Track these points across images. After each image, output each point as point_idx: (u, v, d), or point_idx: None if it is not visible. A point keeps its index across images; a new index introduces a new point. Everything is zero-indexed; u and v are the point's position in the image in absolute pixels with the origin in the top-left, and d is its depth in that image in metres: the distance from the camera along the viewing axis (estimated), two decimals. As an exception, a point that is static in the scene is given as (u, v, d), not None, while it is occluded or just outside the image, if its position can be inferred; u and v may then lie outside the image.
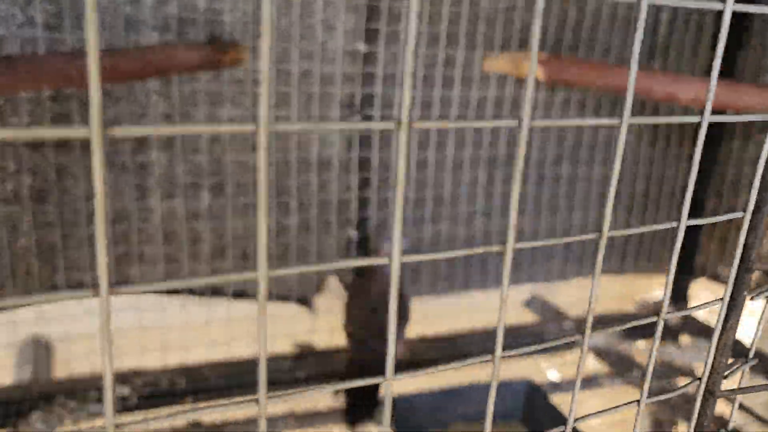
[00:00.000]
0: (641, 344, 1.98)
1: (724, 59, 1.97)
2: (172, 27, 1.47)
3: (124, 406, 1.52)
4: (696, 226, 2.08)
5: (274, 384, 1.67)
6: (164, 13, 1.45)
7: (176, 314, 1.66)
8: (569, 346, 1.97)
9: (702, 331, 2.05)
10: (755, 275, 0.55)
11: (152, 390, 1.59)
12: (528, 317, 2.10)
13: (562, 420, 1.43)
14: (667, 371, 1.89)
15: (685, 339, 2.04)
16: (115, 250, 1.56)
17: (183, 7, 1.47)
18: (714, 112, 1.68)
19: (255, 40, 1.54)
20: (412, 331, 1.93)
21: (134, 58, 1.22)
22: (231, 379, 1.65)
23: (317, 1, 1.57)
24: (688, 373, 1.88)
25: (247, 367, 1.70)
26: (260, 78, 0.30)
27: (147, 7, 1.44)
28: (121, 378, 1.60)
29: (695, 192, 2.05)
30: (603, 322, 2.14)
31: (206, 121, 1.56)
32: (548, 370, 2.02)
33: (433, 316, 1.93)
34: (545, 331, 2.03)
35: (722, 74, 1.93)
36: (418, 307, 1.89)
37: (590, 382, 1.85)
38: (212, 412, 0.36)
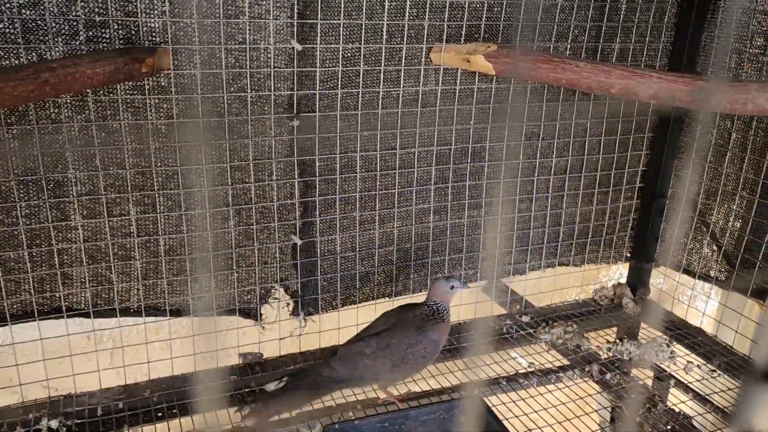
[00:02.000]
0: (597, 338, 1.94)
1: (687, 38, 1.86)
2: (80, 32, 1.33)
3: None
4: (657, 213, 2.02)
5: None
6: (71, 14, 1.31)
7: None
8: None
9: (661, 324, 2.02)
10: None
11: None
12: (486, 311, 2.05)
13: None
14: (626, 364, 1.86)
15: (644, 333, 2.01)
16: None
17: (92, 8, 1.32)
18: (663, 113, 1.58)
19: (176, 42, 1.41)
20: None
21: (24, 79, 1.09)
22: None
23: (243, -4, 1.43)
24: (647, 366, 1.86)
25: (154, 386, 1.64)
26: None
27: (50, 9, 1.29)
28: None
29: (656, 176, 1.98)
30: (565, 311, 2.10)
31: (128, 133, 1.44)
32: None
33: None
34: (504, 326, 1.98)
35: (686, 58, 1.84)
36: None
37: (549, 375, 1.82)
38: None
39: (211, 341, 1.66)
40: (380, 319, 1.59)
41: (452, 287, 1.55)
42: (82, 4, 1.31)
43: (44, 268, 1.46)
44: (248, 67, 1.49)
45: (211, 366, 1.69)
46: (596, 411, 1.72)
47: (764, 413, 0.35)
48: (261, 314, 1.71)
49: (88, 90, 1.36)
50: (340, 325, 1.80)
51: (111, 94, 1.40)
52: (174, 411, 1.55)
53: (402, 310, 1.59)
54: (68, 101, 1.37)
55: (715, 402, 1.73)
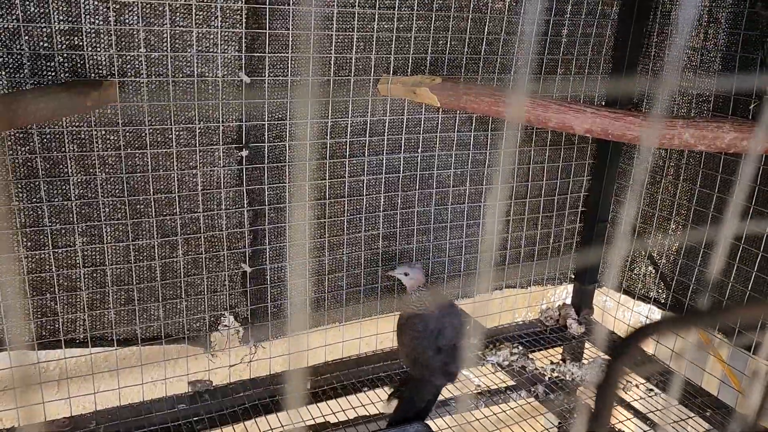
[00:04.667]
0: (543, 359, 2.00)
1: (623, 71, 1.95)
2: (25, 65, 1.33)
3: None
4: (599, 236, 2.10)
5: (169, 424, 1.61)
6: (15, 48, 1.31)
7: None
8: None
9: (603, 345, 2.10)
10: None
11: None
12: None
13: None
14: (569, 384, 1.92)
15: (588, 353, 2.08)
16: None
17: (36, 42, 1.33)
18: (602, 141, 1.66)
19: (123, 75, 1.42)
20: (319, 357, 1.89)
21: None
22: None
23: (192, 32, 1.45)
24: (589, 385, 1.92)
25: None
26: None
27: (-6, 43, 1.29)
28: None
29: (597, 201, 2.06)
30: (512, 332, 2.15)
31: (74, 164, 1.44)
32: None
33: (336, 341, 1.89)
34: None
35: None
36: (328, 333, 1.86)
37: (496, 396, 1.87)
38: None
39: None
40: (416, 327, 1.63)
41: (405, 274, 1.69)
42: (27, 38, 1.32)
43: (-14, 300, 1.44)
44: (196, 98, 1.51)
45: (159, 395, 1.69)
46: None
47: None
48: (210, 342, 1.72)
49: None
50: (291, 350, 1.82)
51: (56, 126, 1.40)
52: (121, 442, 1.55)
53: (417, 314, 1.65)
54: (12, 133, 1.37)
55: (653, 420, 1.80)
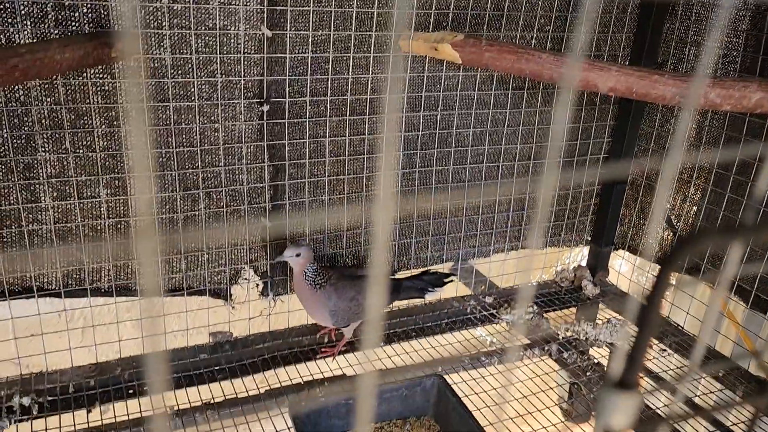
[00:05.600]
0: (557, 319, 2.02)
1: (649, 29, 1.92)
2: (49, 15, 1.33)
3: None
4: (617, 197, 2.09)
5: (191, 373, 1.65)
6: (40, -2, 1.32)
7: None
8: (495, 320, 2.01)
9: (618, 306, 2.11)
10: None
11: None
12: (451, 293, 2.11)
13: (470, 414, 1.46)
14: (583, 344, 1.94)
15: (602, 315, 2.09)
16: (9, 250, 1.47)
17: (61, -8, 1.33)
18: (629, 101, 1.65)
19: (146, 27, 1.42)
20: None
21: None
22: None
23: (213, -18, 1.44)
24: (602, 345, 1.95)
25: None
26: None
27: (19, -7, 1.29)
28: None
29: (617, 163, 2.04)
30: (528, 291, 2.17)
31: (98, 116, 1.45)
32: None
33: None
34: (468, 306, 2.05)
35: (647, 49, 1.90)
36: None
37: (510, 353, 1.90)
38: None
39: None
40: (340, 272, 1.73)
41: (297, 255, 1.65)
42: (51, -13, 1.32)
43: (15, 248, 1.48)
44: (218, 52, 1.51)
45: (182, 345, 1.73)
46: (553, 388, 1.80)
47: (619, 416, 0.42)
48: (231, 294, 1.76)
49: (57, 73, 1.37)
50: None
51: (80, 78, 1.41)
52: (144, 388, 1.59)
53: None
54: (37, 84, 1.38)
55: (666, 379, 1.82)
